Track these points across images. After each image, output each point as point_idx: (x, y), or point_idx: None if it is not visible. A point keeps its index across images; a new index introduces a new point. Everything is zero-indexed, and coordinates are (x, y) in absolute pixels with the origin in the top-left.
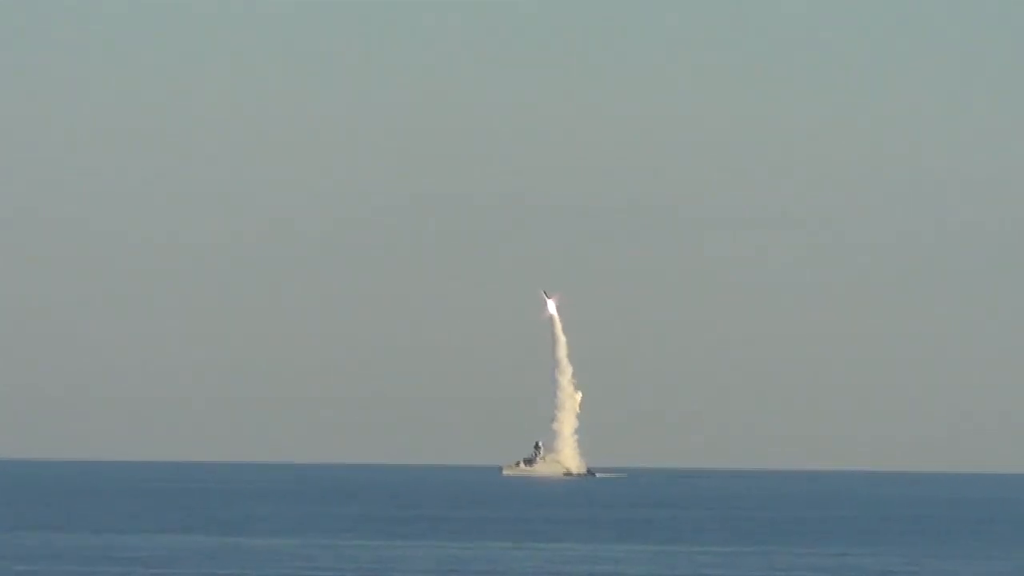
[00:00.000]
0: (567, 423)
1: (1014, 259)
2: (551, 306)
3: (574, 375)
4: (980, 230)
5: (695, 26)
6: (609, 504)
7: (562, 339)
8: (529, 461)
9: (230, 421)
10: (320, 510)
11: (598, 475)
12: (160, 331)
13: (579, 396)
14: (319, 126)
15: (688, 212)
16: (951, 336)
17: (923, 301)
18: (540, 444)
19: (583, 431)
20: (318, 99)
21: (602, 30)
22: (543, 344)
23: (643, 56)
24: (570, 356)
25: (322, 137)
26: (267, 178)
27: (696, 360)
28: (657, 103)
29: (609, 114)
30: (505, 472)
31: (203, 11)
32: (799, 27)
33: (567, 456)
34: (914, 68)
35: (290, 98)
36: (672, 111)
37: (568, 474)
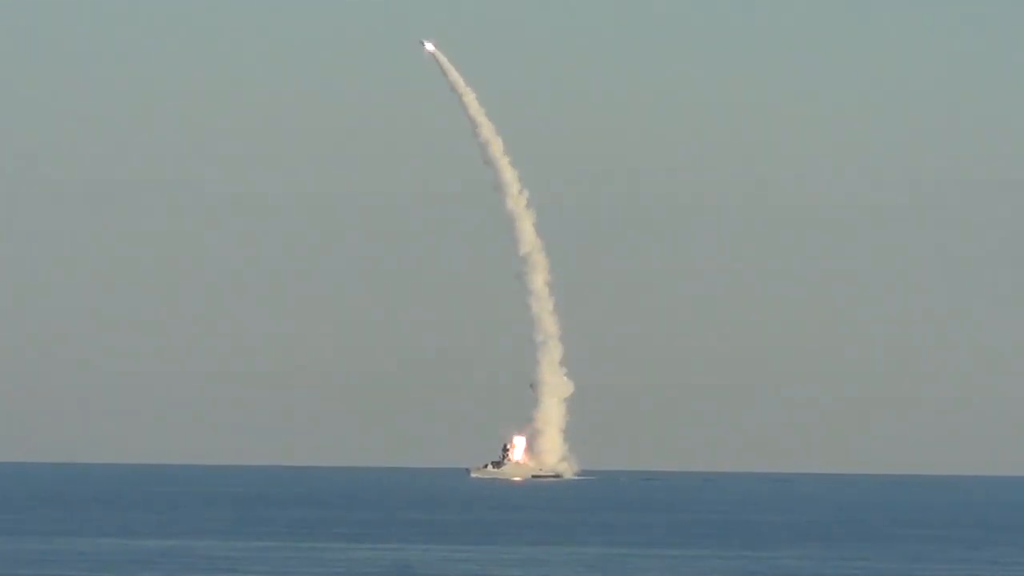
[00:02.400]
0: (554, 417)
1: (1015, 259)
2: (428, 46)
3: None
4: (980, 230)
5: (695, 26)
6: (564, 507)
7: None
8: (497, 463)
9: (206, 424)
10: (278, 514)
11: (566, 477)
12: (158, 331)
13: (570, 388)
14: (318, 127)
15: (687, 212)
16: (951, 336)
17: (923, 301)
18: (508, 446)
19: (573, 432)
20: (317, 98)
21: (602, 30)
22: (528, 347)
23: (645, 56)
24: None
25: (321, 137)
26: (266, 178)
27: (692, 360)
28: (658, 102)
29: (610, 113)
30: (473, 475)
31: (203, 11)
32: (799, 27)
33: (548, 458)
34: (914, 68)
35: (289, 98)
36: (672, 111)
37: (537, 476)
